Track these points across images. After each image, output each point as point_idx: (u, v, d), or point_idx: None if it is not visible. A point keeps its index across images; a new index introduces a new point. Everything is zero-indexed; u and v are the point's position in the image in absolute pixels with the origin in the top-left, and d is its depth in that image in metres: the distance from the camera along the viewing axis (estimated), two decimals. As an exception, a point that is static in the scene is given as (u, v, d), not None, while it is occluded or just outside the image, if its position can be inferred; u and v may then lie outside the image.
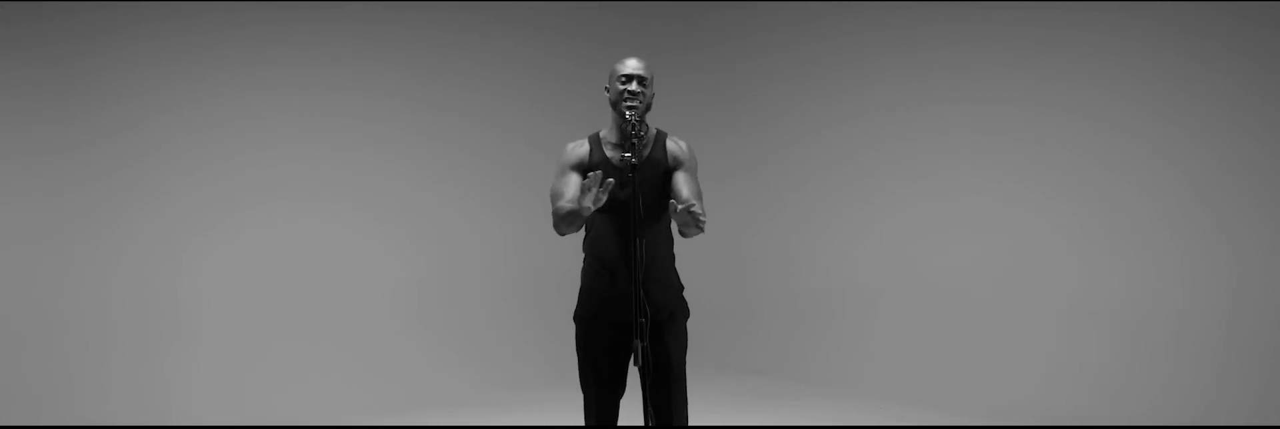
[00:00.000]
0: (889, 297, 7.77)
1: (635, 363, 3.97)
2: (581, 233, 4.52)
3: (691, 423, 4.63)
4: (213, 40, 7.17)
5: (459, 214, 8.18)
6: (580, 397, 4.45)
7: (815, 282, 8.24)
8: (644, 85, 4.29)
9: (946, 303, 7.44)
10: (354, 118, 7.72)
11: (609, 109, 4.38)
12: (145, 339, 6.85)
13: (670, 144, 4.40)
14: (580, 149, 4.40)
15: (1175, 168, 6.48)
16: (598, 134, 4.44)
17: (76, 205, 6.76)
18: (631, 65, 4.30)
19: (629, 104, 4.25)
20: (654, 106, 4.45)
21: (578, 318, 4.42)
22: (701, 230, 3.99)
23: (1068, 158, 6.89)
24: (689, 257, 5.08)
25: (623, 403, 4.46)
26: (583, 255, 4.47)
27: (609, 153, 4.36)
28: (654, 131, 4.43)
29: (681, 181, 4.34)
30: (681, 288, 4.44)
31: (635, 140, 4.10)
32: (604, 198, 3.93)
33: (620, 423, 4.46)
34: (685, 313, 4.43)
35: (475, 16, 8.29)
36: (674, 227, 4.47)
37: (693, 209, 3.86)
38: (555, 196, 4.29)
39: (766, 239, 8.55)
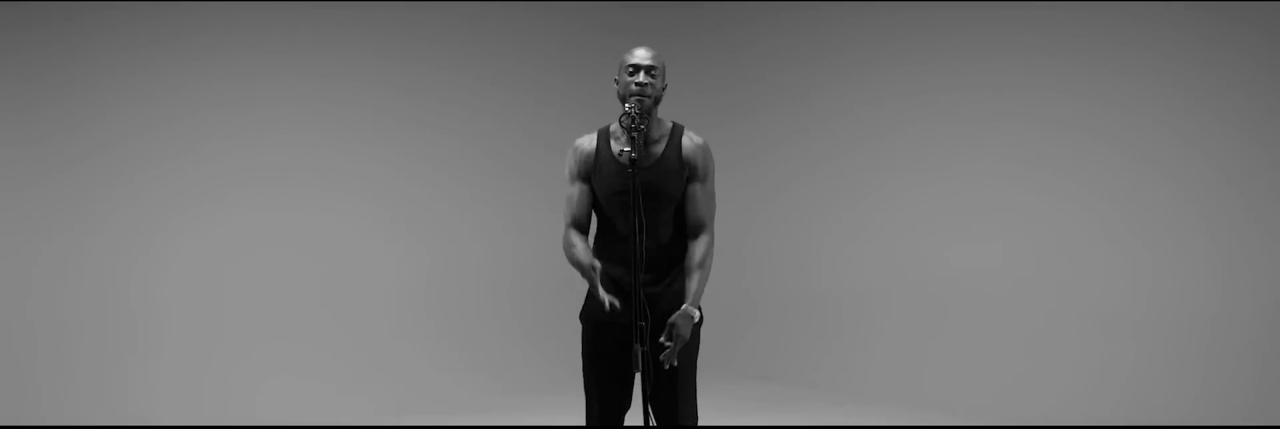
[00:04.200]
0: (905, 296, 7.62)
1: (635, 368, 3.91)
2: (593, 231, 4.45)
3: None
4: (195, 25, 7.06)
5: (459, 210, 8.08)
6: (583, 400, 4.37)
7: (824, 282, 8.11)
8: (653, 76, 4.17)
9: (966, 303, 7.30)
10: (346, 106, 7.59)
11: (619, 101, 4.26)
12: (126, 338, 6.77)
13: (686, 142, 4.27)
14: (587, 145, 4.30)
15: (1213, 161, 6.30)
16: (607, 128, 4.34)
17: (47, 198, 6.68)
18: (639, 55, 4.18)
19: (635, 99, 4.12)
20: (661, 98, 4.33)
21: (584, 317, 4.34)
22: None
23: (1101, 150, 6.70)
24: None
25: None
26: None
27: (615, 148, 4.25)
28: (669, 125, 4.29)
29: (689, 197, 4.25)
30: None
31: (635, 134, 4.03)
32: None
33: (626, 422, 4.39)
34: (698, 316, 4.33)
35: (473, 2, 8.16)
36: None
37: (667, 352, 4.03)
38: (567, 205, 4.28)
39: (771, 236, 8.41)
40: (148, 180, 6.94)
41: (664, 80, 4.22)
